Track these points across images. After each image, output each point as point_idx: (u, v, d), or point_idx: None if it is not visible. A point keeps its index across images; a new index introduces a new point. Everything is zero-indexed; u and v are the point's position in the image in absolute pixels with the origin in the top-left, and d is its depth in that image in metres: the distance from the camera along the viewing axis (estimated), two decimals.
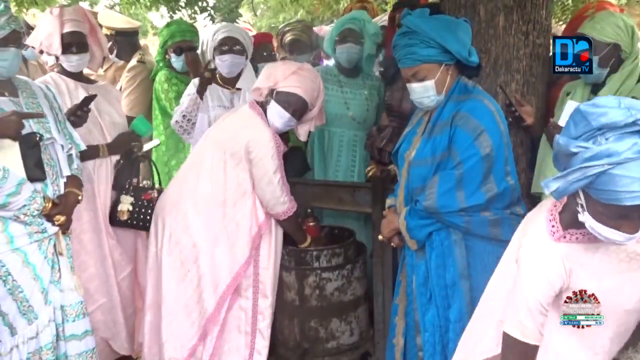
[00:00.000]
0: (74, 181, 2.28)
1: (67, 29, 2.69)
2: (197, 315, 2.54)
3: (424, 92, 2.05)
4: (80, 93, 2.72)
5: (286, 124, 2.52)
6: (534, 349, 1.50)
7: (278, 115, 2.49)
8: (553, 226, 1.48)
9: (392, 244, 2.23)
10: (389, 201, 2.28)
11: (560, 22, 3.49)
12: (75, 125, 2.48)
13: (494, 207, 2.00)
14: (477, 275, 2.01)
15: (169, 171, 3.43)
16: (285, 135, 2.67)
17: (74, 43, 2.71)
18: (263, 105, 2.54)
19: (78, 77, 2.80)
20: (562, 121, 2.27)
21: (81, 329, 2.23)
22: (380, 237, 2.26)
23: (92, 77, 3.16)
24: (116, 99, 2.95)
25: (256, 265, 2.58)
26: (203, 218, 2.51)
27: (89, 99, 2.54)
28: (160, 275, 2.57)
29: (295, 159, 3.06)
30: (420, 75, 2.04)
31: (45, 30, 2.70)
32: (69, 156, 2.30)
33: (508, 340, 1.51)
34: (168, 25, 3.49)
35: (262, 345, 2.61)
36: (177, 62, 3.43)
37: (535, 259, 1.48)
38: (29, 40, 2.84)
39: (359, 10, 3.48)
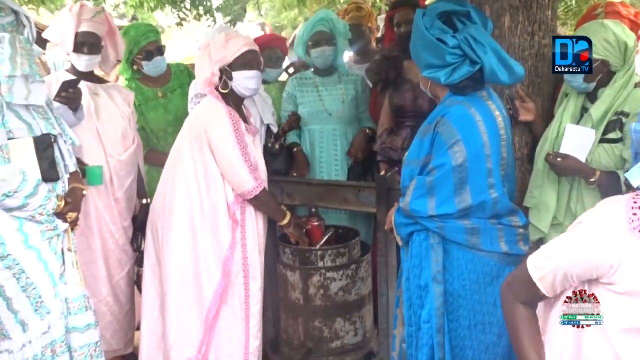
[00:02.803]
0: (75, 176, 2.30)
1: (83, 28, 2.71)
2: (197, 311, 2.54)
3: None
4: (83, 91, 2.70)
5: (257, 81, 2.58)
6: (537, 298, 1.48)
7: (248, 79, 2.53)
8: (635, 214, 1.33)
9: (394, 234, 2.24)
10: None
11: (566, 24, 3.48)
12: (68, 105, 2.48)
13: (474, 216, 1.98)
14: (454, 281, 2.01)
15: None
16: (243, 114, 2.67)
17: (86, 43, 2.73)
18: (220, 89, 2.55)
19: (87, 76, 2.81)
20: (564, 148, 2.22)
21: (84, 322, 2.24)
22: (386, 226, 2.29)
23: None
24: (126, 100, 2.93)
25: (244, 249, 2.57)
26: (187, 210, 2.52)
27: (70, 82, 2.49)
28: (162, 281, 2.57)
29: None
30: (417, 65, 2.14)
31: (61, 27, 2.73)
32: (68, 151, 2.30)
33: (523, 272, 1.50)
34: (126, 32, 3.11)
35: (257, 329, 2.62)
36: (150, 68, 3.14)
37: (596, 234, 1.37)
38: (45, 34, 2.87)
39: (326, 10, 3.49)
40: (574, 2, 3.38)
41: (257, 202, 2.56)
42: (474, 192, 1.94)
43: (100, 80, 2.92)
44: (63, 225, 2.17)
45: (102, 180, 2.65)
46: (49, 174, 2.12)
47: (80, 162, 2.56)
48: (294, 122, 3.18)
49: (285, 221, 2.64)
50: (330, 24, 3.23)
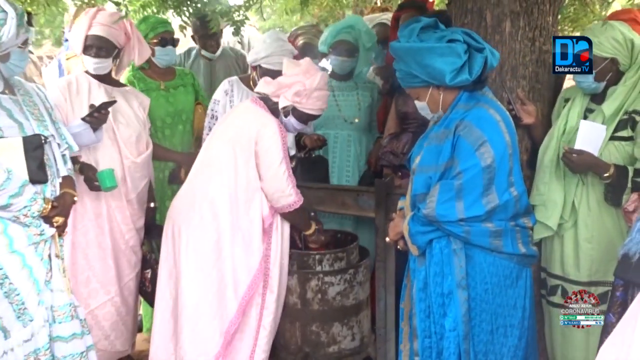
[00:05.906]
0: (68, 182, 2.26)
1: (93, 32, 2.73)
2: (218, 322, 2.49)
3: (421, 109, 2.13)
4: (100, 94, 2.74)
5: (298, 130, 2.72)
6: None
7: (294, 127, 2.61)
8: None
9: (398, 246, 2.23)
10: (400, 203, 2.29)
11: (565, 30, 3.48)
12: (93, 125, 2.50)
13: (496, 218, 1.98)
14: (476, 286, 2.01)
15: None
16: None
17: (94, 46, 2.74)
18: (267, 102, 2.56)
19: (104, 79, 2.83)
20: (578, 144, 2.22)
21: (68, 331, 2.18)
22: (387, 239, 2.27)
23: None
24: (141, 105, 2.93)
25: (266, 260, 2.57)
26: (219, 220, 2.48)
27: (107, 104, 2.54)
28: (177, 285, 2.52)
29: (320, 168, 3.14)
30: (414, 95, 2.13)
31: (76, 29, 2.79)
32: (63, 156, 2.27)
33: None
34: (145, 19, 3.14)
35: (265, 340, 2.60)
36: (161, 55, 3.19)
37: None
38: (67, 35, 2.93)
39: (355, 17, 3.46)
40: (571, 9, 3.39)
41: (292, 216, 2.57)
42: (498, 191, 1.95)
43: (117, 84, 2.93)
44: (50, 230, 2.13)
45: (115, 182, 2.60)
46: (37, 175, 2.09)
47: (90, 169, 2.56)
48: (318, 147, 3.16)
49: (311, 230, 2.68)
50: (357, 33, 3.19)
